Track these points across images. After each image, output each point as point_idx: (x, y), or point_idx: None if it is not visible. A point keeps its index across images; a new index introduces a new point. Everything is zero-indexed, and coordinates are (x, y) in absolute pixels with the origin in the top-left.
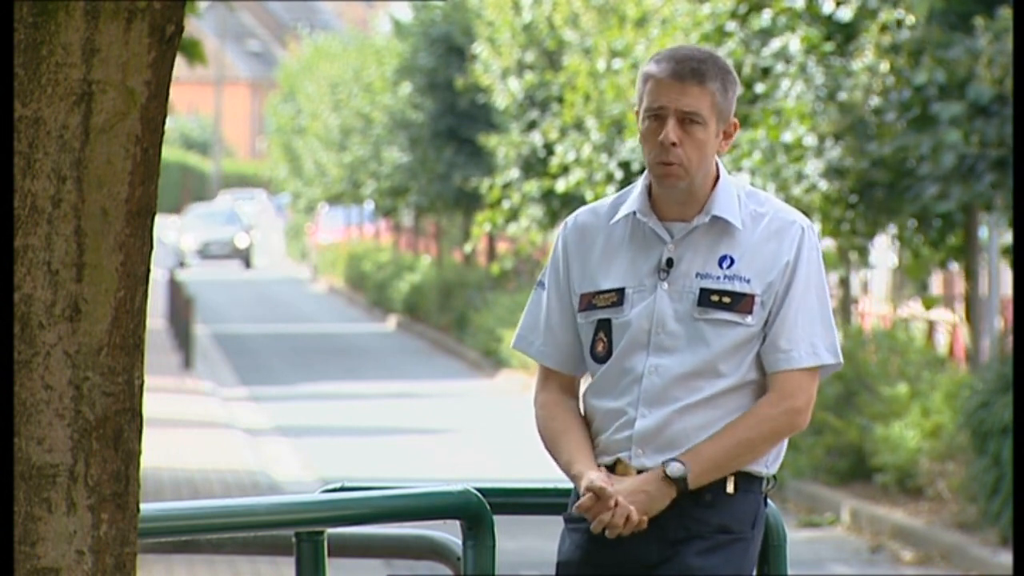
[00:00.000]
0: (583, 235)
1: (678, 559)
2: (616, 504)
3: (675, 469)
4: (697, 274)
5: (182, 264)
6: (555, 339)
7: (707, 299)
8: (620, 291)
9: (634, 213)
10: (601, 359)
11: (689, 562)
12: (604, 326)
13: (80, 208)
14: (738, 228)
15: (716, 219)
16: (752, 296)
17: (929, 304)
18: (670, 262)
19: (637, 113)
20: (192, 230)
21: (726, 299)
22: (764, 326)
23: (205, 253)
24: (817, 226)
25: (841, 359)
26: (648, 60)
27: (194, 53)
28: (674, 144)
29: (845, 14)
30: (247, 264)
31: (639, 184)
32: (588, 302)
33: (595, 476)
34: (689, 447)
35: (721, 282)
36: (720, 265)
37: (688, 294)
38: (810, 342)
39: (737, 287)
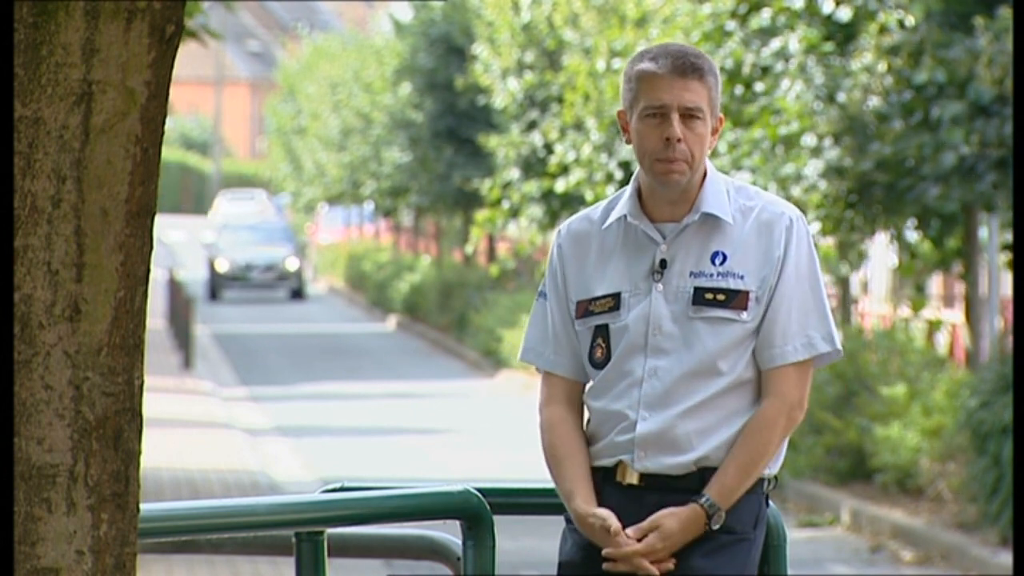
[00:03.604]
0: (577, 242)
1: (682, 560)
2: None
3: (713, 510)
4: (691, 273)
5: (214, 295)
6: (562, 348)
7: (701, 297)
8: (616, 296)
9: (625, 217)
10: (600, 364)
11: (693, 562)
12: (602, 331)
13: (80, 208)
14: (728, 223)
15: (706, 216)
16: (746, 293)
17: (918, 306)
18: (663, 263)
19: (624, 112)
20: (228, 249)
21: (720, 296)
22: (760, 321)
23: (245, 280)
24: (817, 225)
25: (839, 347)
26: (634, 58)
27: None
28: (679, 140)
29: (845, 14)
30: (297, 294)
31: (628, 187)
32: (585, 309)
33: (619, 534)
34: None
35: (715, 280)
36: (712, 262)
37: (683, 294)
38: (805, 334)
39: (731, 284)
